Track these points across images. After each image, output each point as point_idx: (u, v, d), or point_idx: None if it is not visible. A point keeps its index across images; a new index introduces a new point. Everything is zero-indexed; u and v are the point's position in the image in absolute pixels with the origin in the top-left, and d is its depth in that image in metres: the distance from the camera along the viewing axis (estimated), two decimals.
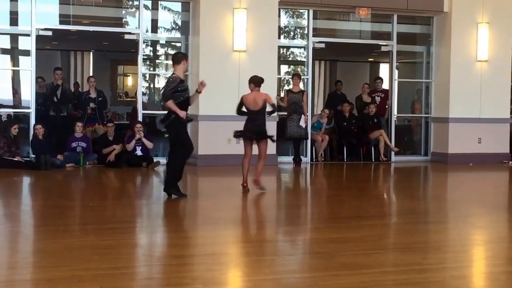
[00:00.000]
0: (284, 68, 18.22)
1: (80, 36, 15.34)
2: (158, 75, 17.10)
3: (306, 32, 14.25)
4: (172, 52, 16.51)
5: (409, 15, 14.80)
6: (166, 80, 8.98)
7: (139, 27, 13.18)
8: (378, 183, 12.54)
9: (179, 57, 8.87)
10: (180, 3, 13.87)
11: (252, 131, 9.29)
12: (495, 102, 14.51)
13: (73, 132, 12.69)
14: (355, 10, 13.98)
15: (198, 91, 8.83)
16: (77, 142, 12.62)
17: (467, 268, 5.65)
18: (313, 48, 14.12)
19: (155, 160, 12.63)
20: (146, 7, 13.61)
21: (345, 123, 14.72)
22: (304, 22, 14.44)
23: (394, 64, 14.78)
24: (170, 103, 8.43)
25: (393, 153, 14.54)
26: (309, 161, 13.98)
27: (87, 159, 12.59)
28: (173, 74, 8.71)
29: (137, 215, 8.09)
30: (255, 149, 9.33)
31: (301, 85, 13.90)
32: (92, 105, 13.21)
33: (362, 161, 14.46)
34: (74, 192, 10.38)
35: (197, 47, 12.96)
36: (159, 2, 13.98)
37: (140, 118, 13.11)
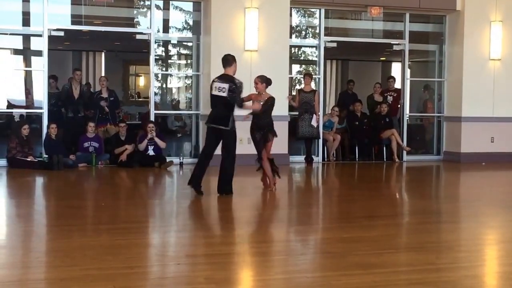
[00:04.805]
0: (296, 67, 18.20)
1: (92, 37, 15.40)
2: (171, 75, 17.13)
3: (317, 31, 14.23)
4: (184, 52, 16.56)
5: (421, 13, 14.75)
6: (234, 84, 8.73)
7: (150, 27, 13.21)
8: (390, 182, 12.49)
9: (229, 59, 8.91)
10: (191, 3, 13.88)
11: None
12: (508, 101, 14.43)
13: (85, 132, 12.74)
14: (367, 9, 13.96)
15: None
16: (89, 142, 12.67)
17: (480, 267, 5.62)
18: (325, 47, 14.11)
19: (167, 160, 12.65)
20: (157, 7, 13.64)
21: (356, 123, 14.70)
22: (316, 21, 14.42)
23: (406, 63, 14.74)
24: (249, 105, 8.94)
25: (405, 152, 14.51)
26: (321, 160, 13.97)
27: (99, 159, 12.63)
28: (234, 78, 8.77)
29: (149, 215, 8.11)
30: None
31: (312, 85, 13.90)
32: (104, 103, 13.23)
33: (374, 160, 14.44)
34: (87, 192, 10.41)
35: (208, 47, 12.96)
36: (171, 2, 14.00)
37: (152, 118, 13.14)
